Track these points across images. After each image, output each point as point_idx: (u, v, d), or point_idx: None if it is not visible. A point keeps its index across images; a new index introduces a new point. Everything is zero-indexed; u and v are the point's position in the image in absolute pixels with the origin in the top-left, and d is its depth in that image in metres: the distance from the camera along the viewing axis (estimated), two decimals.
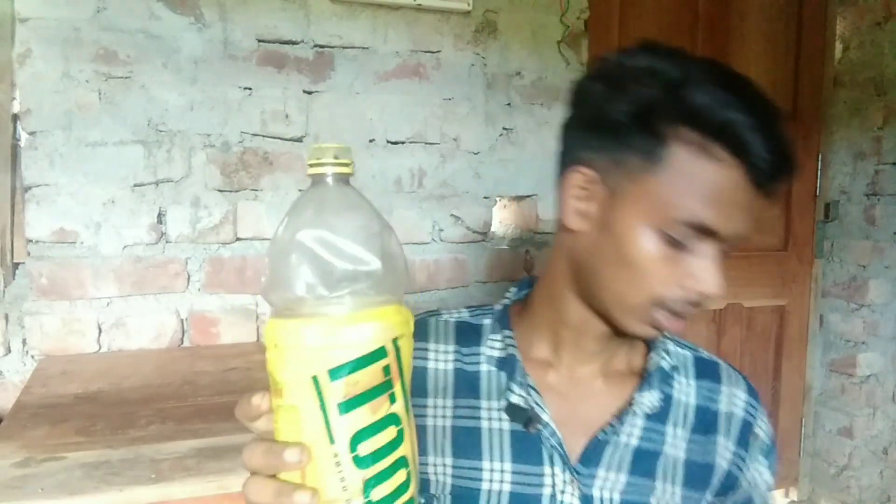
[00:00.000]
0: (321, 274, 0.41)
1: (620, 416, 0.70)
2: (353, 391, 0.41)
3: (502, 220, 1.81)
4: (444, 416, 0.72)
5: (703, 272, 0.60)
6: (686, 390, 0.73)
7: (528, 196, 1.82)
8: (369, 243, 0.42)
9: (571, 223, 0.65)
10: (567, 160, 0.66)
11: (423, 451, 0.72)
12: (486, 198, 1.77)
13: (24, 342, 1.43)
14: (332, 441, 0.41)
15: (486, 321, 0.76)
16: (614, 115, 0.61)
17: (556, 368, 0.73)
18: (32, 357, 1.43)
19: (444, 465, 0.71)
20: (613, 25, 1.97)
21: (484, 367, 0.73)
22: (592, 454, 0.69)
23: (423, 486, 0.72)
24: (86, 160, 1.44)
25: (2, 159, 1.38)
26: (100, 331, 1.47)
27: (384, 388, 0.42)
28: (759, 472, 0.74)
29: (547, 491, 0.68)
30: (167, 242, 1.51)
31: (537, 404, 0.70)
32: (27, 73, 1.39)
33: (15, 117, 1.39)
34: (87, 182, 1.44)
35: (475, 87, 1.74)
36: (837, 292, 2.29)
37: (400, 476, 0.44)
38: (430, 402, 0.73)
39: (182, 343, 1.53)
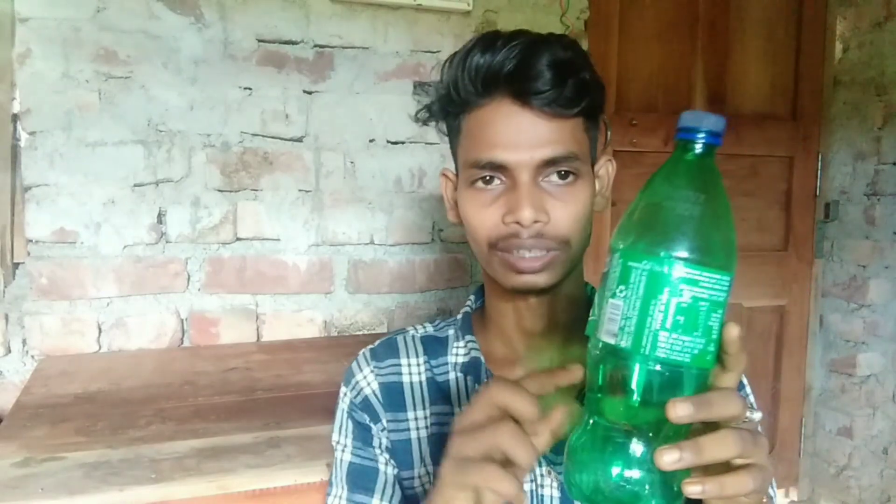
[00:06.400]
0: None
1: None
2: None
3: None
4: (425, 427, 0.74)
5: (512, 202, 0.66)
6: None
7: None
8: None
9: (450, 217, 0.76)
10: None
11: (409, 464, 0.73)
12: None
13: (24, 342, 1.43)
14: None
15: (451, 331, 0.79)
16: (439, 118, 0.75)
17: (519, 364, 0.75)
18: (32, 357, 1.43)
19: (428, 475, 0.72)
20: (613, 25, 1.97)
21: (452, 375, 0.76)
22: (562, 439, 0.69)
23: (411, 499, 0.73)
24: (86, 160, 1.44)
25: (2, 159, 1.38)
26: (100, 331, 1.47)
27: None
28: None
29: (526, 487, 0.68)
30: (167, 242, 1.51)
31: None
32: (27, 73, 1.39)
33: (15, 117, 1.39)
34: (87, 182, 1.44)
35: None
36: (837, 292, 2.28)
37: None
38: (409, 415, 0.75)
39: (182, 343, 1.53)
